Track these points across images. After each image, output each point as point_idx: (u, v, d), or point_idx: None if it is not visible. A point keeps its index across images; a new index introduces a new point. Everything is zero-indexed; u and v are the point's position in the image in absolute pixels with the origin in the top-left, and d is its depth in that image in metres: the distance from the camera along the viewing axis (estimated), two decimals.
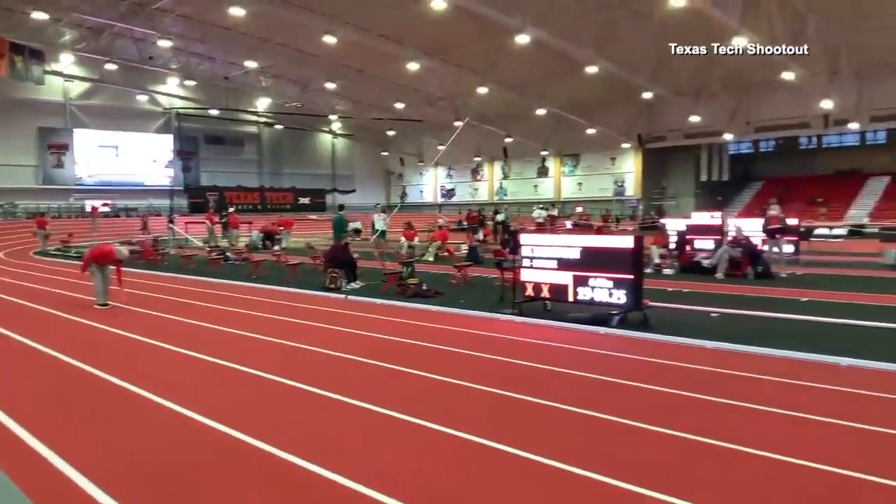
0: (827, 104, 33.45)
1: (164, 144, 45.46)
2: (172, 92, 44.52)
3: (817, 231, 26.99)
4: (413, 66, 32.71)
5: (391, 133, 54.86)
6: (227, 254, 20.37)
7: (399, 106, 43.65)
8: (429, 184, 59.95)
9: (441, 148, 53.92)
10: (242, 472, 4.05)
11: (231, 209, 30.50)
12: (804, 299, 10.96)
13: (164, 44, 33.10)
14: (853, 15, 26.77)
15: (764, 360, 6.81)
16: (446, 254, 19.98)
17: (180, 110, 45.02)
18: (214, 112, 43.98)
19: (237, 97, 44.44)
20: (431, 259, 20.02)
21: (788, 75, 29.42)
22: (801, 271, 15.44)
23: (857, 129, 38.09)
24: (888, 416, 4.97)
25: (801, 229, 20.90)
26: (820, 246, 22.26)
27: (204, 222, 28.14)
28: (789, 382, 5.94)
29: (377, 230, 24.65)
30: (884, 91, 34.55)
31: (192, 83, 42.25)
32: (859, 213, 38.75)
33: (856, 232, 31.03)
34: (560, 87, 36.70)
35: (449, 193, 58.28)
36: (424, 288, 12.10)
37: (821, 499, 3.61)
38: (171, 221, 30.86)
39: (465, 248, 20.52)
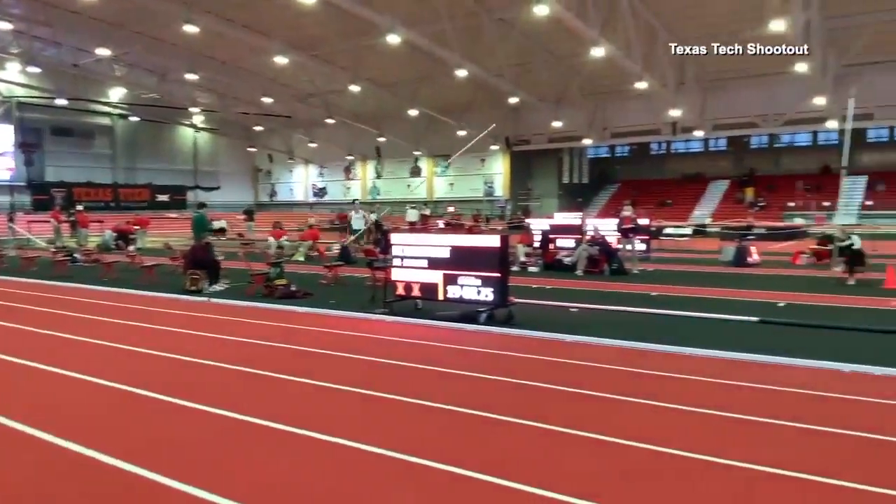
0: (675, 113, 36.29)
1: (4, 136, 41.15)
2: (12, 79, 40.40)
3: (666, 230, 29.24)
4: (281, 61, 31.84)
5: (259, 128, 53.01)
6: (75, 255, 18.80)
7: (267, 101, 42.29)
8: (300, 182, 58.59)
9: (313, 146, 53.02)
10: (98, 492, 3.73)
11: (80, 207, 28.19)
12: (654, 293, 11.82)
13: (3, 26, 30.00)
14: (697, 31, 29.15)
15: (618, 351, 7.25)
16: (317, 254, 19.64)
17: (22, 99, 40.95)
18: (62, 102, 40.33)
19: (88, 86, 41.02)
20: (302, 259, 19.59)
21: (641, 85, 31.56)
22: (651, 268, 16.66)
23: (701, 136, 41.68)
24: (729, 401, 5.45)
25: (652, 229, 22.60)
26: (668, 244, 24.17)
27: (49, 221, 25.85)
28: (644, 373, 6.36)
29: (355, 230, 23.12)
30: (724, 102, 38.02)
31: (35, 70, 38.52)
32: (703, 213, 42.45)
33: (699, 231, 33.89)
34: (431, 88, 37.18)
35: (321, 192, 57.27)
36: (293, 289, 11.81)
37: (672, 481, 3.89)
38: (10, 220, 28.12)
39: (337, 248, 20.26)
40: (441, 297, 9.23)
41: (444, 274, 9.16)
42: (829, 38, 31.16)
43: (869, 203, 39.79)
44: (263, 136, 55.00)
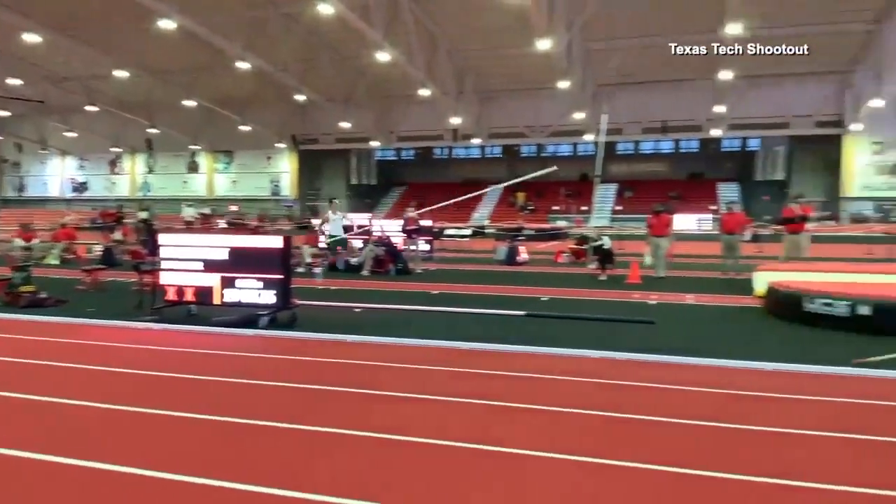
0: (455, 120, 38.21)
1: None
2: None
3: (448, 231, 30.68)
4: (32, 39, 27.97)
5: (5, 114, 46.08)
6: None
7: (15, 82, 36.90)
8: (55, 175, 52.00)
9: (71, 135, 47.30)
10: None
11: None
12: (435, 292, 12.31)
13: None
14: (475, 44, 30.99)
15: (401, 349, 7.41)
16: (73, 256, 17.58)
17: None
18: None
19: None
20: (56, 262, 17.39)
21: (424, 92, 32.75)
22: (434, 267, 17.34)
23: (478, 143, 44.35)
24: (501, 391, 5.80)
25: (435, 230, 23.58)
26: (450, 244, 25.38)
27: None
28: (426, 369, 6.55)
29: (332, 237, 16.71)
30: (499, 112, 40.85)
31: None
32: (481, 215, 45.21)
33: (478, 232, 36.05)
34: (210, 79, 35.16)
35: (81, 187, 51.36)
36: (43, 296, 10.40)
37: (443, 470, 4.02)
38: None
39: (99, 250, 18.26)
40: (217, 301, 8.72)
41: (222, 277, 8.67)
42: (588, 59, 34.94)
43: (619, 208, 45.36)
44: (11, 123, 47.92)
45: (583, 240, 19.16)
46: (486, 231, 36.60)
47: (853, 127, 36.94)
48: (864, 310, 8.08)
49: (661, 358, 6.78)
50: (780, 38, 31.92)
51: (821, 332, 8.22)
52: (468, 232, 35.06)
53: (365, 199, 46.50)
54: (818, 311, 8.52)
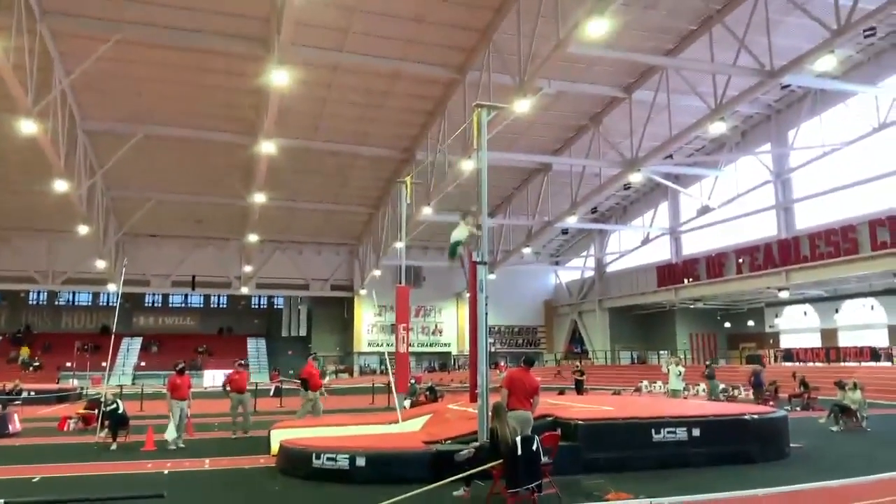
0: None
1: None
2: None
3: None
4: None
5: None
6: None
7: None
8: None
9: None
10: None
11: None
12: None
13: None
14: None
15: None
16: None
17: None
18: None
19: None
20: None
21: None
22: None
23: None
24: None
25: None
26: None
27: None
28: None
29: None
30: (6, 253, 35.63)
31: None
32: None
33: None
34: None
35: None
36: None
37: None
38: None
39: None
40: None
41: None
42: (112, 206, 33.28)
43: (143, 364, 42.34)
44: None
45: (94, 403, 17.03)
46: None
47: (361, 291, 43.00)
48: (361, 461, 8.99)
49: None
50: (299, 210, 36.21)
51: (330, 487, 8.73)
52: None
53: None
54: (325, 467, 9.12)
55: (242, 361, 15.67)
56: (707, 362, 22.92)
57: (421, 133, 27.59)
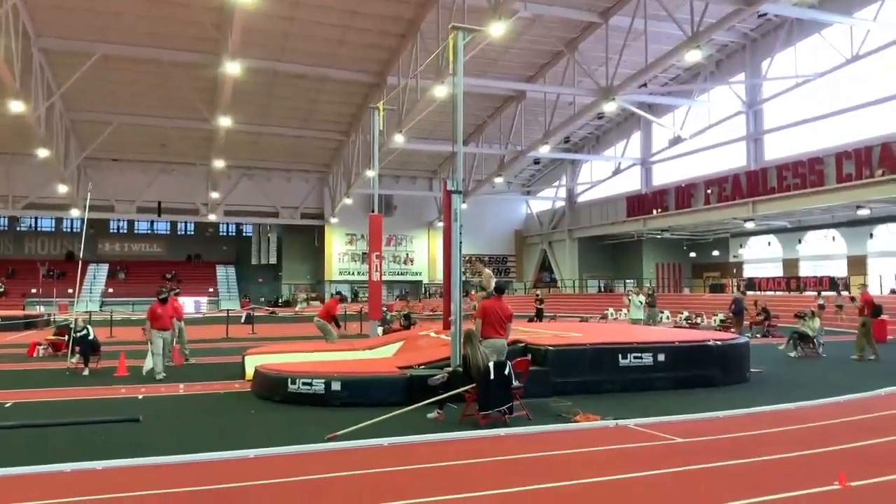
0: None
1: None
2: None
3: None
4: None
5: None
6: None
7: None
8: None
9: None
10: None
11: None
12: None
13: None
14: None
15: None
16: None
17: None
18: None
19: None
20: None
21: None
22: None
23: None
24: None
25: None
26: None
27: None
28: None
29: None
30: None
31: None
32: None
33: None
34: None
35: None
36: None
37: None
38: None
39: None
40: None
41: None
42: (73, 129, 32.06)
43: (111, 290, 41.92)
44: None
45: (64, 329, 16.87)
46: None
47: (332, 220, 42.71)
48: (337, 385, 9.14)
49: (144, 461, 6.31)
50: (267, 135, 35.33)
51: (306, 410, 8.90)
52: None
53: None
54: (300, 391, 9.26)
55: (168, 289, 12.59)
56: (649, 291, 23.92)
57: (393, 57, 26.83)
